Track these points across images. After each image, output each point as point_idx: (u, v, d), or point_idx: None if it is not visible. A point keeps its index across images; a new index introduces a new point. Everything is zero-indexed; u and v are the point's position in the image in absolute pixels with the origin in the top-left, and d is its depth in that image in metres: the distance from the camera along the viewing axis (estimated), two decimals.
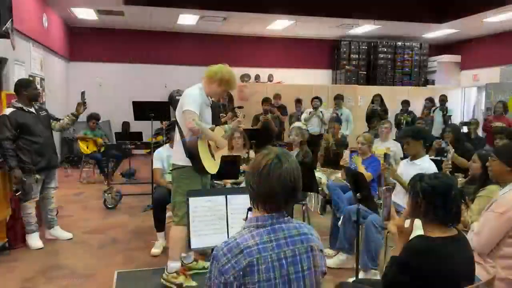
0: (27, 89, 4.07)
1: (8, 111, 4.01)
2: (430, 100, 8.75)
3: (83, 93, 4.34)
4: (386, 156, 3.80)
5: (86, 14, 9.23)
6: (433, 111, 8.58)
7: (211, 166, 3.29)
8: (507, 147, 2.69)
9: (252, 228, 1.51)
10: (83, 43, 10.60)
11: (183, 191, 3.10)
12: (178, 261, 3.34)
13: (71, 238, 4.52)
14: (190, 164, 3.19)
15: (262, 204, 1.54)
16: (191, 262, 3.63)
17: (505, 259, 2.38)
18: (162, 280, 3.33)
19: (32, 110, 4.12)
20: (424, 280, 1.78)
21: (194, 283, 3.32)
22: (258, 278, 1.43)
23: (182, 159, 3.21)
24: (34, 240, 4.23)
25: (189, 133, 3.14)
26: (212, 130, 3.32)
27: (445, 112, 8.28)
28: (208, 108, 3.36)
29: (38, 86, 7.39)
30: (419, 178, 1.95)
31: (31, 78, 4.36)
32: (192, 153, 3.15)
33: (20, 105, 4.03)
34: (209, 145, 3.31)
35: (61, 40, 9.63)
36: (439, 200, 1.85)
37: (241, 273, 1.42)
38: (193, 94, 3.21)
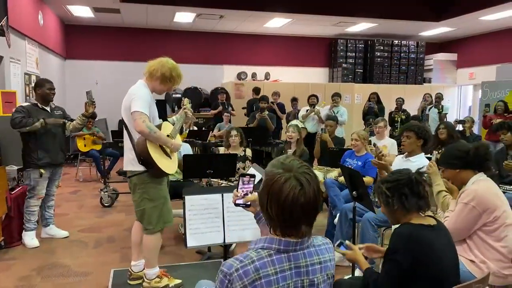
0: (41, 88, 4.20)
1: (24, 104, 4.20)
2: (430, 95, 8.77)
3: (88, 93, 4.30)
4: (374, 145, 3.84)
5: (82, 12, 9.20)
6: (429, 109, 8.60)
7: (169, 166, 3.05)
8: (443, 155, 2.77)
9: (273, 252, 1.38)
10: (79, 40, 10.58)
11: (151, 196, 2.99)
12: (156, 267, 3.19)
13: (67, 236, 4.52)
14: (142, 165, 2.95)
15: (281, 230, 1.41)
16: (142, 270, 3.29)
17: (493, 251, 2.42)
18: None
19: (47, 109, 4.24)
20: (411, 263, 1.85)
21: (179, 281, 3.23)
22: None
23: (140, 166, 2.96)
24: (30, 239, 4.23)
25: (138, 136, 2.93)
26: (160, 126, 3.08)
27: (440, 110, 8.30)
28: (154, 105, 3.12)
29: (33, 84, 7.38)
30: (380, 182, 2.10)
31: (48, 79, 4.37)
32: (144, 158, 2.91)
33: (35, 101, 4.20)
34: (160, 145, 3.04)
35: (57, 38, 9.58)
36: (406, 189, 1.98)
37: None
38: (139, 93, 2.95)
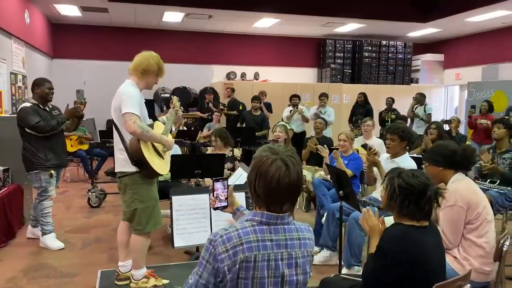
0: (39, 88, 4.11)
1: (26, 105, 4.08)
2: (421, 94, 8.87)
3: (78, 91, 4.24)
4: (364, 146, 3.89)
5: (69, 11, 9.11)
6: (415, 108, 8.71)
7: (162, 167, 3.03)
8: (430, 151, 2.80)
9: (255, 223, 1.50)
10: (66, 40, 10.48)
11: (142, 197, 2.96)
12: (143, 268, 3.15)
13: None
14: (135, 166, 2.93)
15: (266, 207, 1.51)
16: (130, 271, 3.22)
17: (475, 248, 2.47)
18: None
19: (46, 108, 4.19)
20: (399, 263, 1.86)
21: (166, 281, 3.20)
22: (252, 274, 1.44)
23: (131, 166, 2.93)
24: (53, 241, 4.20)
25: (130, 137, 2.90)
26: (152, 125, 3.06)
27: (423, 111, 8.44)
28: (144, 105, 3.08)
29: (20, 84, 7.30)
30: (397, 173, 2.02)
31: (47, 78, 4.28)
32: (137, 159, 2.87)
33: (35, 101, 4.11)
34: (152, 144, 3.02)
35: (44, 37, 9.49)
36: (413, 198, 1.94)
37: (237, 266, 1.42)
38: (129, 93, 2.91)
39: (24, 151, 4.06)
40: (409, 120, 8.35)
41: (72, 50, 10.54)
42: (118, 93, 2.96)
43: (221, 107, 8.77)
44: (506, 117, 5.31)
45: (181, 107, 3.31)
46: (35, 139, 4.01)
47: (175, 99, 3.31)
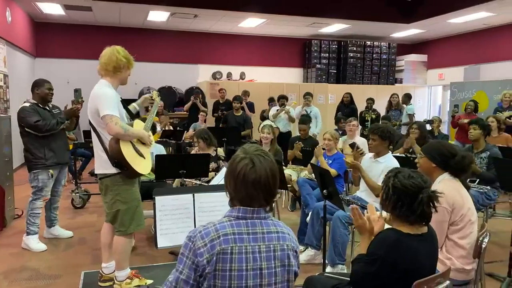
0: (39, 88, 4.14)
1: (25, 104, 4.09)
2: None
3: (76, 91, 4.23)
4: (352, 145, 3.93)
5: (52, 9, 8.98)
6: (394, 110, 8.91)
7: (144, 166, 3.01)
8: (432, 145, 2.84)
9: (232, 219, 1.55)
10: (50, 39, 10.33)
11: (124, 198, 2.96)
12: (126, 269, 3.16)
13: (72, 236, 4.50)
14: (116, 168, 2.91)
15: (240, 204, 1.58)
16: (113, 272, 3.22)
17: (457, 248, 2.51)
18: None
19: (47, 108, 4.20)
20: (390, 271, 1.85)
21: (150, 281, 3.22)
22: (230, 267, 1.47)
23: (112, 167, 2.91)
24: (36, 243, 4.16)
25: (109, 139, 2.87)
26: (131, 124, 3.04)
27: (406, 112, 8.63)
28: (121, 104, 3.07)
29: (2, 83, 7.18)
30: (394, 173, 2.00)
31: (47, 80, 4.27)
32: (118, 161, 2.86)
33: (34, 101, 4.11)
34: (132, 144, 2.98)
35: (26, 36, 9.33)
36: (407, 200, 1.91)
37: (214, 258, 1.45)
38: (105, 95, 2.86)
39: (25, 152, 4.08)
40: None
41: (56, 49, 10.40)
42: (93, 95, 2.92)
43: (220, 113, 8.71)
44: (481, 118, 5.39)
45: (159, 97, 3.36)
46: (34, 138, 4.03)
47: (155, 94, 3.35)
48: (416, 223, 1.93)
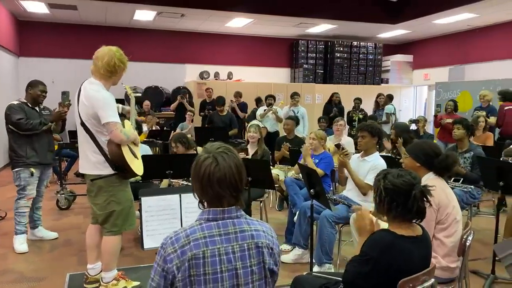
0: (32, 89, 4.15)
1: (13, 102, 4.09)
2: (389, 96, 9.15)
3: (64, 93, 4.19)
4: (338, 146, 3.96)
5: (36, 7, 8.84)
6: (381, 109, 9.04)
7: (138, 167, 3.06)
8: (417, 145, 2.89)
9: (203, 221, 1.53)
10: (34, 37, 10.17)
11: (119, 199, 2.97)
12: (114, 270, 3.12)
13: (56, 238, 4.45)
14: (116, 171, 2.93)
15: (209, 205, 1.57)
16: (99, 273, 3.19)
17: (443, 247, 2.55)
18: None
19: (36, 108, 4.20)
20: (382, 273, 1.85)
21: (137, 283, 3.19)
22: (204, 271, 1.45)
23: (107, 168, 2.91)
24: (20, 243, 4.11)
25: (106, 142, 2.88)
26: (122, 124, 3.02)
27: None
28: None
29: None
30: (383, 175, 2.00)
31: (42, 82, 4.32)
32: (120, 165, 2.88)
33: (24, 100, 4.13)
34: (128, 146, 3.01)
35: (9, 34, 9.17)
36: (400, 199, 1.91)
37: (186, 264, 1.44)
38: (105, 99, 2.83)
39: (9, 150, 4.13)
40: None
41: (40, 48, 10.24)
42: (91, 98, 2.83)
43: (206, 111, 8.68)
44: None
45: (136, 91, 3.38)
46: (18, 136, 4.03)
47: (127, 87, 3.34)
48: (413, 219, 1.94)
